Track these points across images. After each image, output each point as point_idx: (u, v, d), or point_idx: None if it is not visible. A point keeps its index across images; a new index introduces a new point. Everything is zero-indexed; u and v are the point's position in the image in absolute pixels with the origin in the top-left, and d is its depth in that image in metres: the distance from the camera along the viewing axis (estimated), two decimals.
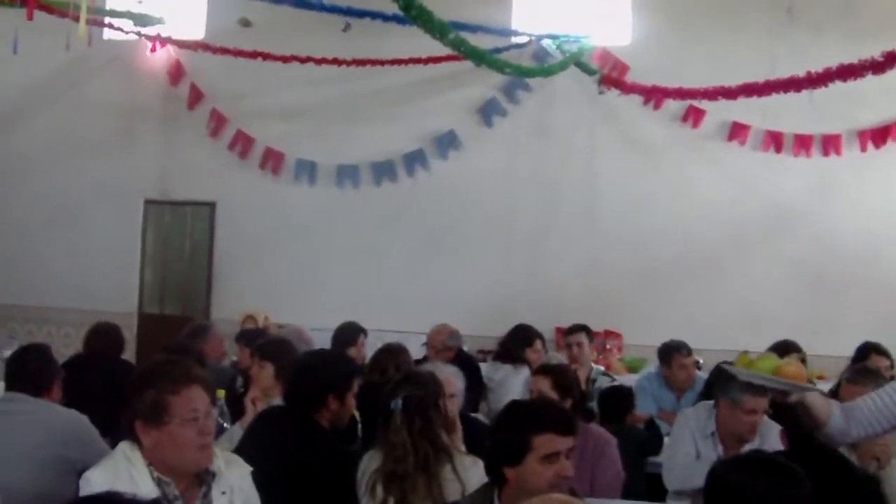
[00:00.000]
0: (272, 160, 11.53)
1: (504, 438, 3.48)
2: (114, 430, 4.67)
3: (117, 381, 6.03)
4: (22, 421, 4.73)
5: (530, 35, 10.95)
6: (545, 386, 5.04)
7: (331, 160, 11.42)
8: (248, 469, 3.54)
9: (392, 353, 6.25)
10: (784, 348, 6.42)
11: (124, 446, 3.33)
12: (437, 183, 11.31)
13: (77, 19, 7.86)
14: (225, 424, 5.05)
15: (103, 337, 7.05)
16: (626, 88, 9.96)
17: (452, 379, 4.91)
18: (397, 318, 10.34)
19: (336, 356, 5.21)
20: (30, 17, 6.86)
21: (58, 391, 5.01)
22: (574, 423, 3.54)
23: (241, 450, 3.94)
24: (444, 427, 4.24)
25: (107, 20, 10.69)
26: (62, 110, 12.22)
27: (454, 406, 4.76)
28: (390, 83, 11.14)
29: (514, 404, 3.73)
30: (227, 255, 11.84)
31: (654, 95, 10.13)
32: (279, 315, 10.64)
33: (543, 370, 5.35)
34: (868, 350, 7.03)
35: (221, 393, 5.23)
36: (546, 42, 10.90)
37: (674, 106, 10.55)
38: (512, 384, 7.23)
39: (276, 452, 4.09)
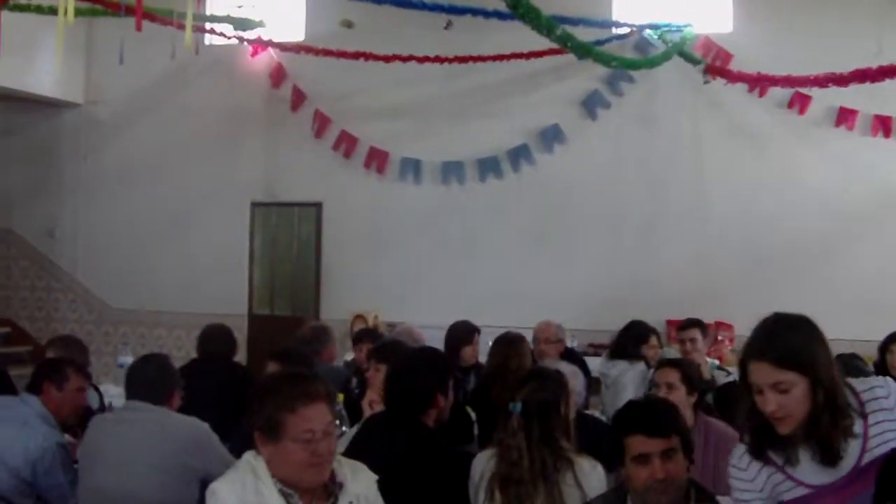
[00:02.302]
0: (377, 159, 12.72)
1: (612, 440, 3.82)
2: (229, 433, 5.54)
3: (231, 385, 7.23)
4: (144, 429, 5.10)
5: (631, 25, 11.82)
6: (673, 378, 5.47)
7: (435, 157, 12.56)
8: (374, 477, 3.78)
9: (510, 344, 6.88)
10: None
11: (249, 457, 3.62)
12: (543, 177, 12.33)
13: (179, 27, 8.91)
14: (343, 428, 5.30)
15: (216, 340, 7.76)
16: (732, 77, 10.75)
17: (571, 378, 5.05)
18: (505, 314, 10.96)
19: (431, 352, 5.50)
20: (139, 28, 7.24)
21: (177, 400, 5.39)
22: (663, 425, 3.74)
23: (349, 456, 4.04)
24: (564, 432, 4.41)
25: (208, 26, 11.87)
26: (167, 116, 13.66)
27: (573, 406, 4.88)
28: (493, 79, 12.20)
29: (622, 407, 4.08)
30: (334, 255, 13.06)
31: (760, 84, 10.96)
32: (388, 314, 12.01)
33: (671, 362, 5.80)
34: None
35: (340, 397, 5.64)
36: (647, 32, 11.77)
37: (779, 93, 11.39)
38: (628, 380, 7.74)
39: (385, 459, 4.15)
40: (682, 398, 5.32)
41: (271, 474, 3.50)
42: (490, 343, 7.38)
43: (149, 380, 5.31)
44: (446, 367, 5.09)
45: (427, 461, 4.57)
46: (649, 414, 3.83)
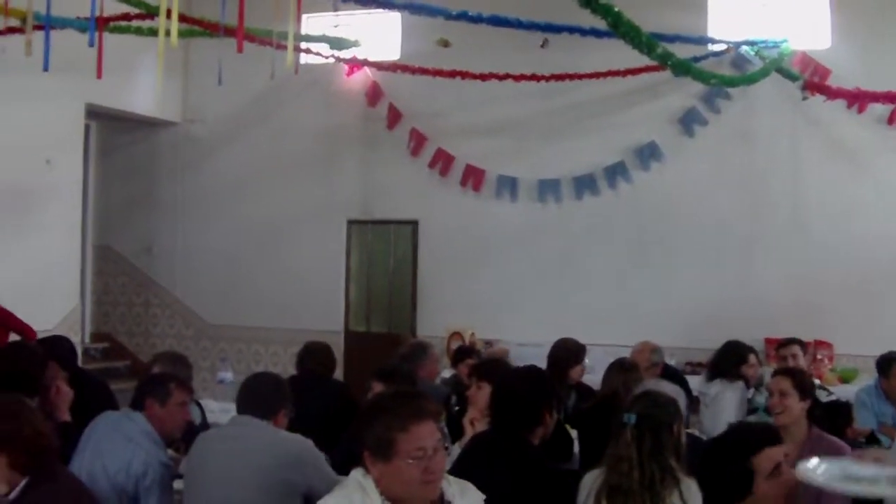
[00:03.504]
0: (473, 177, 13.38)
1: (726, 470, 4.11)
2: (329, 449, 5.82)
3: (331, 402, 7.79)
4: (249, 445, 5.34)
5: (728, 42, 12.26)
6: (786, 385, 5.84)
7: (532, 175, 13.15)
8: (481, 497, 4.00)
9: (626, 370, 7.21)
10: None
11: (357, 475, 3.79)
12: (640, 195, 12.85)
13: (279, 47, 9.77)
14: (445, 445, 5.02)
15: (316, 357, 8.25)
16: (832, 94, 11.31)
17: (676, 398, 5.18)
18: (602, 332, 11.63)
19: (536, 371, 5.72)
20: (240, 49, 7.45)
21: (283, 419, 5.62)
22: (777, 431, 4.17)
23: (456, 475, 4.17)
24: (674, 452, 4.60)
25: (304, 45, 12.62)
26: (264, 135, 14.60)
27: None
28: (589, 96, 12.78)
29: (722, 437, 4.48)
30: (430, 273, 13.80)
31: (860, 100, 11.44)
32: (484, 331, 12.73)
33: (784, 371, 6.19)
34: None
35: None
36: (744, 49, 12.20)
37: (878, 109, 11.68)
38: (727, 400, 8.09)
39: (492, 477, 4.42)
40: (794, 405, 5.82)
41: (380, 492, 3.68)
42: (587, 361, 8.03)
43: (261, 395, 5.59)
44: (551, 385, 5.44)
45: (533, 479, 4.87)
46: (763, 427, 4.30)
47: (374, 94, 13.97)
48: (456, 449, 5.58)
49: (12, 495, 4.24)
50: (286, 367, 11.89)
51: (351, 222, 14.32)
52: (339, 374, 11.20)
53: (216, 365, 13.36)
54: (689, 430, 6.61)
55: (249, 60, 8.69)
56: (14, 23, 9.16)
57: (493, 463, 4.89)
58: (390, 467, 3.66)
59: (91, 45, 7.41)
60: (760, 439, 4.19)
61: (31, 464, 4.29)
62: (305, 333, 10.75)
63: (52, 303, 12.53)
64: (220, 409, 8.34)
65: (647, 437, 4.53)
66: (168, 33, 6.27)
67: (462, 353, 9.21)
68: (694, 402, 8.18)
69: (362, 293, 14.47)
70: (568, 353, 8.30)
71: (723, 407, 8.10)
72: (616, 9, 7.65)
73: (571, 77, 12.20)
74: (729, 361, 8.42)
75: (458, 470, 4.51)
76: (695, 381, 8.88)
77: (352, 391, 8.29)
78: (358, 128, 14.19)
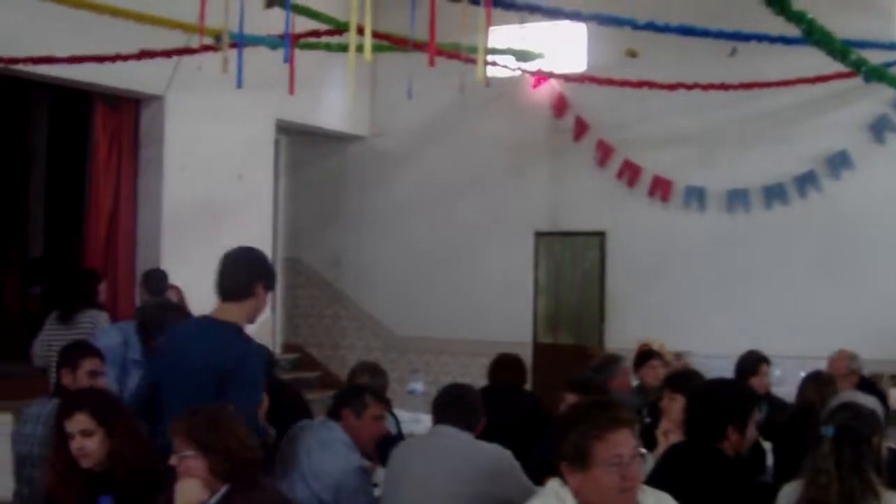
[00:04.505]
0: (661, 188, 13.90)
1: None
2: (521, 460, 5.82)
3: (523, 413, 8.17)
4: (449, 455, 5.55)
5: None
6: None
7: (720, 185, 13.57)
8: None
9: (823, 382, 7.37)
10: None
11: (555, 485, 3.96)
12: (831, 203, 13.10)
13: (465, 60, 10.29)
14: (642, 453, 5.11)
15: (508, 368, 8.59)
16: None
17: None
18: (792, 344, 11.84)
19: (733, 385, 5.90)
20: (431, 63, 7.56)
21: (479, 431, 5.82)
22: None
23: (651, 485, 4.30)
24: (874, 465, 4.59)
25: (490, 58, 12.87)
26: (450, 148, 15.42)
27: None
28: (777, 104, 13.12)
29: None
30: (618, 284, 14.31)
31: None
32: (673, 342, 12.79)
33: None
34: None
35: None
36: None
37: None
38: None
39: (688, 489, 4.53)
40: None
41: (578, 502, 3.86)
42: (778, 373, 8.42)
43: (464, 407, 5.84)
44: (748, 402, 5.37)
45: (730, 492, 4.96)
46: None
47: (560, 105, 14.60)
48: (649, 460, 5.58)
49: (212, 501, 4.45)
50: (474, 379, 12.07)
51: (538, 234, 14.93)
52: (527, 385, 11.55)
53: (404, 376, 13.89)
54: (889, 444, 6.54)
55: (436, 74, 8.87)
56: (208, 41, 9.73)
57: (690, 474, 4.99)
58: (588, 476, 3.82)
59: (286, 61, 8.07)
60: None
61: (232, 472, 4.46)
62: (493, 345, 11.20)
63: None
64: (410, 420, 8.94)
65: (846, 449, 4.52)
66: (359, 49, 6.61)
67: (644, 357, 9.50)
68: (892, 414, 8.23)
69: (550, 304, 15.05)
70: (745, 364, 8.63)
71: None
72: (809, 16, 7.95)
73: (760, 85, 12.52)
74: None
75: (654, 480, 4.64)
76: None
77: (543, 403, 8.59)
78: (544, 140, 14.85)
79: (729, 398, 5.34)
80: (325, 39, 11.29)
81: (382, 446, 6.38)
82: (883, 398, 8.07)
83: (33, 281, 14.82)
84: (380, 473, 6.27)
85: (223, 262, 5.59)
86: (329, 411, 6.32)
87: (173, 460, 4.49)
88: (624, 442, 3.85)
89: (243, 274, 5.53)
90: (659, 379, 9.12)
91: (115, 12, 9.86)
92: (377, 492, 6.12)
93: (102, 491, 4.69)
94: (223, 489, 4.46)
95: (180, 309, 8.28)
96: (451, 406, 5.89)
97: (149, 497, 4.77)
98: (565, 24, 14.10)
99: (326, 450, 5.95)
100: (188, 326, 5.81)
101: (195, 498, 4.41)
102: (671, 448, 5.60)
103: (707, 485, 4.92)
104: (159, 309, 8.16)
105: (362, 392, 6.36)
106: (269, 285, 5.61)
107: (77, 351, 6.73)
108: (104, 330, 8.71)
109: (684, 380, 6.65)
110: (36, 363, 9.31)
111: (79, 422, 4.94)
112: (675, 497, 4.20)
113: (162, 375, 5.57)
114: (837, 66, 9.48)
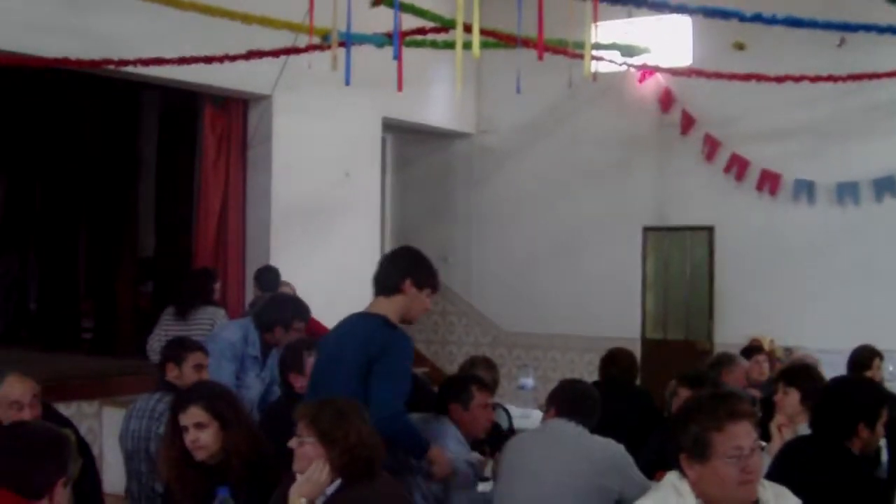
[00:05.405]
0: (769, 181, 13.87)
1: None
2: (634, 456, 5.91)
3: (634, 408, 8.20)
4: (564, 448, 5.67)
5: None
6: None
7: (829, 178, 13.50)
8: (798, 502, 4.10)
9: None
10: None
11: (673, 478, 3.98)
12: None
13: (572, 56, 10.48)
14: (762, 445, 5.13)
15: (619, 364, 8.60)
16: None
17: None
18: None
19: (868, 382, 5.99)
20: (540, 58, 7.54)
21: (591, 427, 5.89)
22: None
23: (770, 479, 4.24)
24: None
25: (596, 53, 12.86)
26: (557, 144, 15.57)
27: None
28: (888, 96, 13.06)
29: None
30: (727, 279, 14.33)
31: None
32: (783, 338, 13.14)
33: None
34: None
35: None
36: None
37: None
38: None
39: (809, 484, 4.49)
40: None
41: (696, 496, 3.86)
42: (891, 368, 8.39)
43: (581, 402, 5.95)
44: (879, 400, 5.41)
45: (852, 489, 4.98)
46: None
47: (666, 100, 14.71)
48: (764, 455, 5.35)
49: (329, 490, 4.54)
50: (582, 374, 12.70)
51: (646, 229, 15.02)
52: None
53: (512, 372, 14.38)
54: None
55: (542, 70, 8.86)
56: (316, 40, 9.90)
57: (813, 470, 5.01)
58: (708, 468, 3.82)
59: (395, 58, 8.29)
60: None
61: (347, 466, 4.53)
62: (602, 341, 11.33)
63: (356, 310, 13.60)
64: (520, 415, 9.10)
65: None
66: (466, 46, 6.77)
67: (751, 351, 9.61)
68: None
69: (659, 300, 15.10)
70: (858, 358, 8.68)
71: None
72: None
73: (870, 77, 12.35)
74: None
75: (773, 475, 4.70)
76: None
77: (653, 398, 8.70)
78: (651, 134, 14.93)
79: (863, 396, 5.37)
80: (431, 37, 11.35)
81: (492, 440, 6.54)
82: None
83: (144, 278, 15.27)
84: (489, 467, 6.36)
85: (381, 258, 6.01)
86: (435, 405, 6.39)
87: (292, 443, 4.61)
88: (744, 434, 3.84)
89: (392, 269, 5.82)
90: (764, 374, 9.50)
91: (222, 13, 10.10)
92: (488, 486, 6.22)
93: (218, 483, 4.80)
94: (339, 481, 4.56)
95: (296, 302, 8.45)
96: (572, 401, 5.98)
97: (264, 488, 4.91)
98: (671, 18, 14.19)
99: (438, 444, 5.90)
100: (341, 323, 6.04)
101: (323, 480, 4.52)
102: (793, 442, 5.64)
103: (830, 481, 4.92)
104: (274, 302, 8.43)
105: (466, 383, 6.43)
106: (420, 283, 5.80)
107: (182, 346, 7.02)
108: (225, 325, 8.99)
109: (799, 374, 6.66)
110: (152, 358, 9.57)
111: (193, 415, 5.12)
112: (794, 492, 4.16)
113: (316, 371, 5.93)
114: None
